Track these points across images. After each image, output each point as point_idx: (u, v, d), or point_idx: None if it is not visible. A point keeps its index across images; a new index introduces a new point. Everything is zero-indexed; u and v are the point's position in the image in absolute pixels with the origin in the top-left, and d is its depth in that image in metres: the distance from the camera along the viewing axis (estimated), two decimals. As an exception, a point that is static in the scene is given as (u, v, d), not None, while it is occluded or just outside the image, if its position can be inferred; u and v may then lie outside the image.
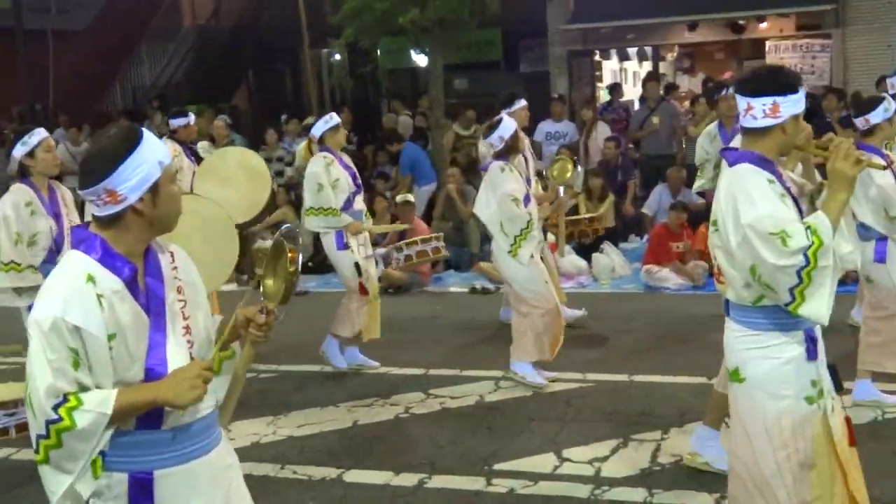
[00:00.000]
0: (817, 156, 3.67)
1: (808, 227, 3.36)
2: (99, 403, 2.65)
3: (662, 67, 18.13)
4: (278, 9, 18.99)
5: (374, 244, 8.60)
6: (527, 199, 6.99)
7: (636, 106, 15.22)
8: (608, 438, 5.93)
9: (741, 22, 15.27)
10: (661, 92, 13.95)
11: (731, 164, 3.61)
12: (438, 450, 5.95)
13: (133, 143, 2.74)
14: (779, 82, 3.53)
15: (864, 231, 5.72)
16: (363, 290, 7.44)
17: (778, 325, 3.54)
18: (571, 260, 10.40)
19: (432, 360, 7.76)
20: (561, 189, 7.60)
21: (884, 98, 5.99)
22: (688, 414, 6.26)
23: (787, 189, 3.54)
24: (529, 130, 14.00)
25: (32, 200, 6.00)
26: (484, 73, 18.76)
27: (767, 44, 15.10)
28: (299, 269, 3.02)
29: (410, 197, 11.70)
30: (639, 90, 15.83)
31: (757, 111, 3.51)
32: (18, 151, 6.00)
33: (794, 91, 3.52)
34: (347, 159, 7.72)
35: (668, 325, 8.62)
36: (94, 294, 2.68)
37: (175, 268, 2.92)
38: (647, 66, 18.23)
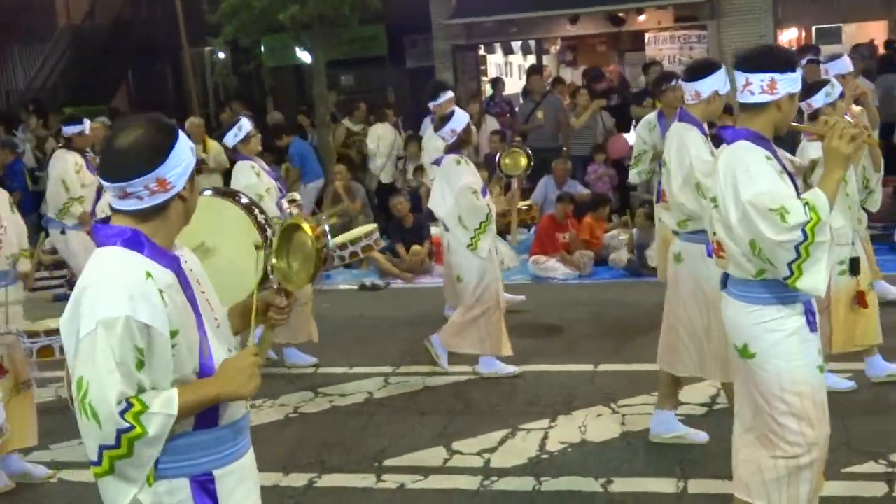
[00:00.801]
0: (813, 134, 3.74)
1: (806, 203, 3.44)
2: (164, 405, 2.54)
3: (546, 60, 18.36)
4: (156, 7, 18.58)
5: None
6: (484, 192, 6.95)
7: (520, 99, 15.35)
8: (497, 429, 5.95)
9: (621, 15, 15.52)
10: (548, 86, 14.13)
11: (728, 142, 3.69)
12: (328, 448, 5.89)
13: (175, 130, 2.70)
14: (777, 59, 3.64)
15: None
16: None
17: (778, 298, 3.62)
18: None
19: (321, 358, 7.67)
20: (513, 181, 7.60)
21: (827, 82, 6.04)
22: (575, 401, 6.36)
23: (784, 166, 3.64)
24: (416, 126, 14.08)
25: None
26: (370, 68, 18.71)
27: (647, 36, 15.40)
28: (328, 244, 2.98)
29: (297, 195, 11.53)
30: (524, 83, 15.98)
31: (755, 87, 3.61)
32: None
33: (792, 69, 3.62)
34: (266, 165, 7.66)
35: (555, 315, 8.70)
36: (157, 290, 2.59)
37: (185, 261, 2.83)
38: (532, 59, 18.42)
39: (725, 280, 3.80)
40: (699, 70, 5.32)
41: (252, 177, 7.22)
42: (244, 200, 5.57)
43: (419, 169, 12.48)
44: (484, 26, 15.85)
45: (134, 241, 2.65)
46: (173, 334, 2.60)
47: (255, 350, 2.76)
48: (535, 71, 14.60)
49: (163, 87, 21.47)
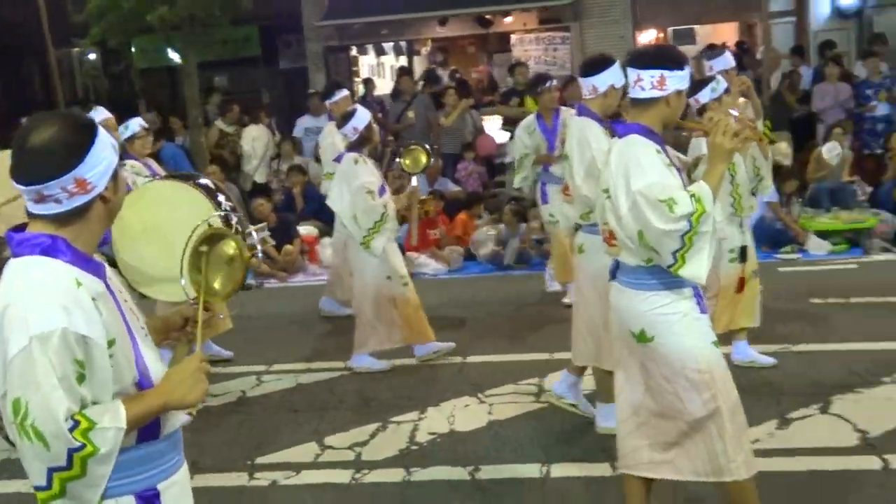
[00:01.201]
0: (698, 130, 3.93)
1: (692, 195, 3.64)
2: (112, 419, 2.42)
3: (417, 62, 18.58)
4: (18, 7, 18.00)
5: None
6: (382, 190, 7.01)
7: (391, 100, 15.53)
8: (368, 423, 6.10)
9: (488, 17, 15.86)
10: (419, 87, 14.35)
11: (620, 136, 3.89)
12: (201, 450, 5.88)
13: (93, 128, 2.53)
14: (667, 57, 3.87)
15: None
16: None
17: (666, 284, 3.81)
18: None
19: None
20: (414, 179, 7.65)
21: (712, 78, 6.29)
22: (446, 393, 6.55)
23: (671, 160, 3.84)
24: (290, 127, 14.12)
25: None
26: (244, 69, 18.56)
27: (512, 37, 15.77)
28: (258, 252, 2.92)
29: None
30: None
31: (645, 83, 3.82)
32: None
33: (680, 67, 3.84)
34: (156, 166, 7.53)
35: (426, 310, 8.87)
36: (89, 298, 2.45)
37: (106, 269, 2.71)
38: (404, 60, 18.61)
39: (615, 271, 3.99)
40: (594, 65, 5.45)
41: (130, 176, 7.19)
42: (203, 182, 5.18)
43: (293, 169, 12.55)
44: (355, 28, 15.96)
45: (54, 249, 2.48)
46: (110, 344, 2.47)
47: (203, 356, 2.66)
48: (405, 72, 14.82)
49: (29, 89, 20.84)
